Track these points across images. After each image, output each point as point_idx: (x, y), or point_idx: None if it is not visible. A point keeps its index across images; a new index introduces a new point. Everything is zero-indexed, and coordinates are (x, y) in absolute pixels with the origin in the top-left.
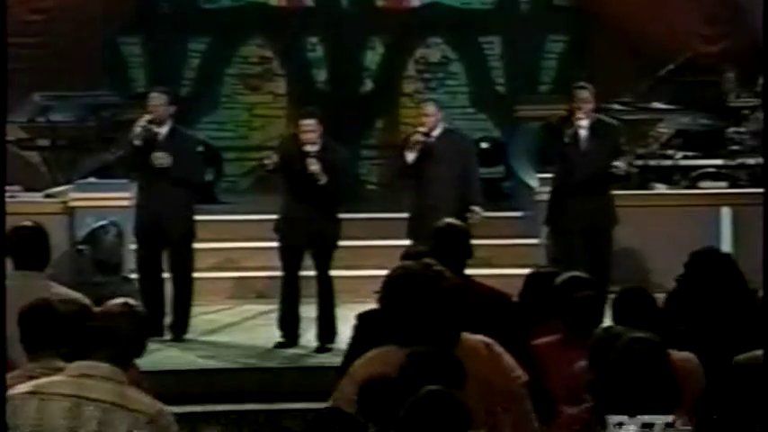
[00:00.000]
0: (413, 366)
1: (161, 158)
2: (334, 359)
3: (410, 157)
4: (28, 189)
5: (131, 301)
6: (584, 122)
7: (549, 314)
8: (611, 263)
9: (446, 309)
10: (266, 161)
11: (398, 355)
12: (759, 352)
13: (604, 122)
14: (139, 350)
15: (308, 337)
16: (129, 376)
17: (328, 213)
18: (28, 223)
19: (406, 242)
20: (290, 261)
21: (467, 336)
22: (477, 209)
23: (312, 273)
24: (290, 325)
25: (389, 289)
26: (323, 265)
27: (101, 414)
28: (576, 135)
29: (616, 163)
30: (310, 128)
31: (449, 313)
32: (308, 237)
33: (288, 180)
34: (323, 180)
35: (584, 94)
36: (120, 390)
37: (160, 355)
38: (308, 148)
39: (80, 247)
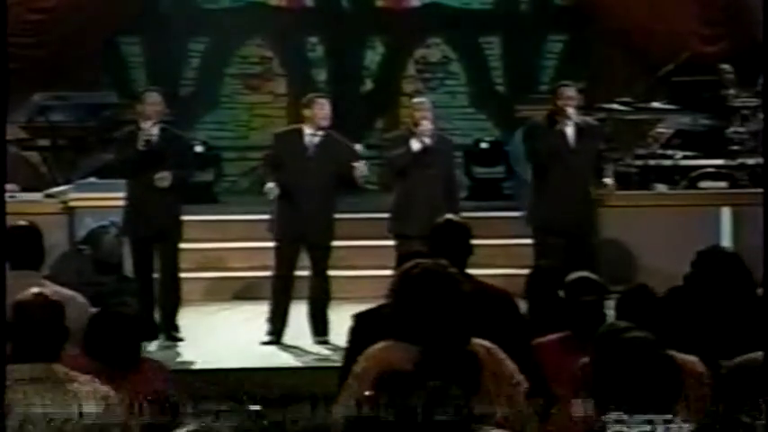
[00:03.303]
0: (427, 361)
1: (163, 179)
2: (331, 359)
3: (416, 146)
4: (28, 189)
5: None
6: (571, 121)
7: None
8: (594, 269)
9: (462, 310)
10: (266, 189)
11: (408, 350)
12: (754, 354)
13: (590, 123)
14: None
15: (303, 336)
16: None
17: (324, 208)
18: (22, 223)
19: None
20: (286, 259)
21: (471, 339)
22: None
23: (305, 273)
24: (279, 324)
25: (405, 286)
26: (319, 259)
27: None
28: (563, 133)
29: (606, 180)
30: (326, 108)
31: (464, 314)
32: (305, 233)
33: (285, 174)
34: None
35: (570, 92)
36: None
37: (156, 356)
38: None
39: (80, 247)
